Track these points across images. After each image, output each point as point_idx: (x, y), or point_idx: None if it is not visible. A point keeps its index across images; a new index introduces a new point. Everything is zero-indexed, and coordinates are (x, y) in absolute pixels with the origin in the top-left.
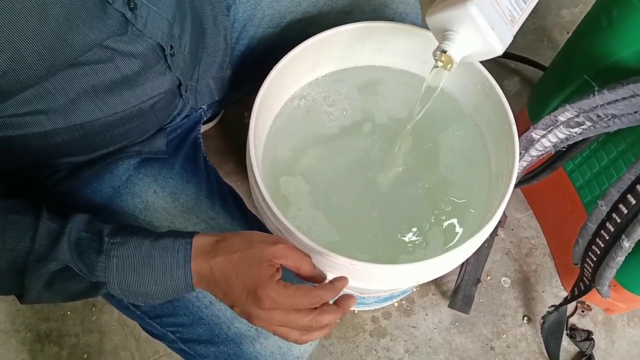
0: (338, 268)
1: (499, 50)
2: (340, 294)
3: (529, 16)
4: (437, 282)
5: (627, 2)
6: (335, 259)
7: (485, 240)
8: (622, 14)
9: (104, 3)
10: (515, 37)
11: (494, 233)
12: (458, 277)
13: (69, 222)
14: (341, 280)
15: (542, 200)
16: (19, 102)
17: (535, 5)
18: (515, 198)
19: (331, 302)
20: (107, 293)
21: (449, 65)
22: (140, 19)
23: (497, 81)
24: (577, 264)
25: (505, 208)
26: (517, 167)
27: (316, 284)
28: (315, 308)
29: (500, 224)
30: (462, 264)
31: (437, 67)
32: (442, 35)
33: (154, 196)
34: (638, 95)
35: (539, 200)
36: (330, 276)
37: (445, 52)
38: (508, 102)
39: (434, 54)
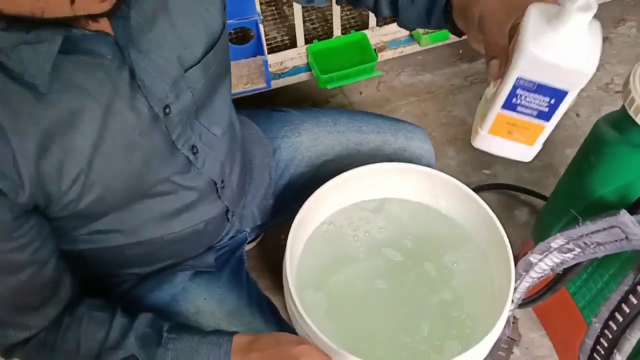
0: None
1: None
2: None
3: (537, 155)
4: None
5: (602, 150)
6: None
7: (501, 358)
8: (598, 160)
9: (173, 149)
10: (525, 173)
11: (508, 351)
12: None
13: (137, 319)
14: None
15: (552, 319)
16: (102, 222)
17: (543, 146)
18: (529, 318)
19: None
20: None
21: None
22: (199, 160)
23: (508, 211)
24: None
25: (520, 327)
26: (513, 287)
27: None
28: None
29: (515, 342)
30: None
31: None
32: None
33: (204, 302)
34: (615, 226)
35: (549, 320)
36: None
37: None
38: (518, 229)
39: None
